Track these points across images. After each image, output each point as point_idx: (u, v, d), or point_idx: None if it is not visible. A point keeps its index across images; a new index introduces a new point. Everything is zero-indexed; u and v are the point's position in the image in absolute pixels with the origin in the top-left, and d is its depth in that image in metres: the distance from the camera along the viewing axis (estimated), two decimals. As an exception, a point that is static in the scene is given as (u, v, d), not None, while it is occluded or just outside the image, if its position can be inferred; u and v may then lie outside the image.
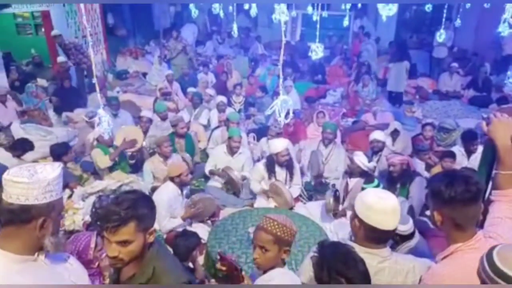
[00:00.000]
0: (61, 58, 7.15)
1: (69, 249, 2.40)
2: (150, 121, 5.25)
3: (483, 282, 1.15)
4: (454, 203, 1.44)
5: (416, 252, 2.39)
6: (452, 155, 4.10)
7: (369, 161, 4.26)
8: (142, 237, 1.47)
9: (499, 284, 1.18)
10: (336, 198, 3.66)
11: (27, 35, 9.19)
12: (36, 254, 1.31)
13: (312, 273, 1.50)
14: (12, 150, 4.33)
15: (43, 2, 7.09)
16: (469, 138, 4.49)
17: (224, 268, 1.91)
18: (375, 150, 4.40)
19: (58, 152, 4.19)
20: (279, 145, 4.09)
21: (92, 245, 2.39)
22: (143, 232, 1.47)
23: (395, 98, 7.76)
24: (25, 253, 1.28)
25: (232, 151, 4.52)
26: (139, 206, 1.45)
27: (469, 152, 4.45)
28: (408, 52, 8.36)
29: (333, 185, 4.11)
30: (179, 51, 8.86)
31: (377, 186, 3.26)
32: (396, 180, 3.84)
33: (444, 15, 6.02)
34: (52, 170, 1.30)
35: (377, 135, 4.45)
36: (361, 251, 1.59)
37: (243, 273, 1.90)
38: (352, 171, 3.78)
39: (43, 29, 8.09)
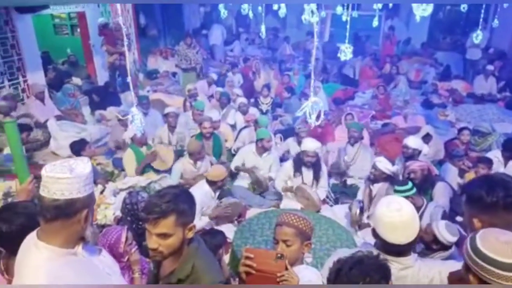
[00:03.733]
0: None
1: (101, 242, 2.48)
2: (176, 116, 5.33)
3: (468, 267, 1.17)
4: (495, 208, 1.41)
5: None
6: (489, 162, 3.93)
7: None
8: (181, 231, 1.50)
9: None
10: (362, 211, 3.66)
11: (63, 35, 9.56)
12: (76, 246, 1.36)
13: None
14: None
15: (79, 2, 7.34)
16: None
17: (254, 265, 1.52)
18: (405, 156, 4.25)
19: (77, 148, 4.35)
20: (311, 144, 4.13)
21: (123, 239, 2.45)
22: (182, 227, 1.50)
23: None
24: (68, 246, 1.33)
25: (263, 151, 4.55)
26: (179, 201, 1.49)
27: (507, 159, 4.25)
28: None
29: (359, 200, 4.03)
30: (197, 62, 8.36)
31: (411, 189, 3.18)
32: (418, 187, 3.71)
33: (482, 15, 5.76)
34: (84, 164, 1.34)
35: (408, 141, 4.21)
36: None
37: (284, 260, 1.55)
38: (376, 178, 3.71)
39: (78, 30, 8.38)
